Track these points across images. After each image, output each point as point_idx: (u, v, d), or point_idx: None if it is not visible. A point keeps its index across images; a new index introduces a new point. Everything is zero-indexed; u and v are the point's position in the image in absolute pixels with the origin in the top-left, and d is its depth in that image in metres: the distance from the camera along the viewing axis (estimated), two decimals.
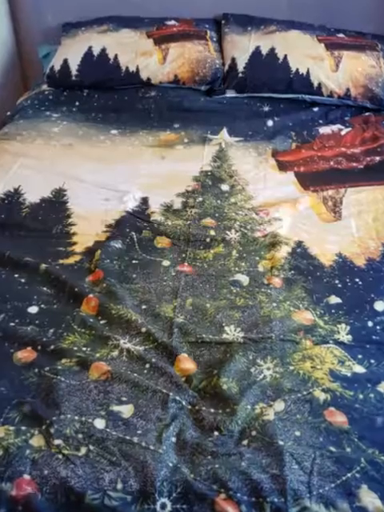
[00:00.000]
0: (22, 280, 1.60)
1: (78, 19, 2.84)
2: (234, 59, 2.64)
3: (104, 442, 1.17)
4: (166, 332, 1.44)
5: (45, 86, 2.71)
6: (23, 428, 1.19)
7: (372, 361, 1.39)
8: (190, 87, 2.65)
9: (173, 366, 1.35)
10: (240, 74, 2.61)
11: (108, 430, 1.19)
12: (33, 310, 1.50)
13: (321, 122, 2.50)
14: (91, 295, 1.53)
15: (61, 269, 1.63)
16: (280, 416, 1.23)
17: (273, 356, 1.38)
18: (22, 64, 3.17)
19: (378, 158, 2.23)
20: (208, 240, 1.78)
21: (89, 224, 1.84)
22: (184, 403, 1.26)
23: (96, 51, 2.65)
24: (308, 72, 2.57)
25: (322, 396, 1.28)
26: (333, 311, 1.53)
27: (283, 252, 1.72)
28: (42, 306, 1.52)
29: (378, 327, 1.48)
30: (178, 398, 1.27)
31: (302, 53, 2.63)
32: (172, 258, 1.71)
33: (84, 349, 1.38)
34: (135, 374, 1.32)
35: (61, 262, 1.67)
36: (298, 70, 2.58)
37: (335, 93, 2.57)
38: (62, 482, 1.09)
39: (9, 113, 2.56)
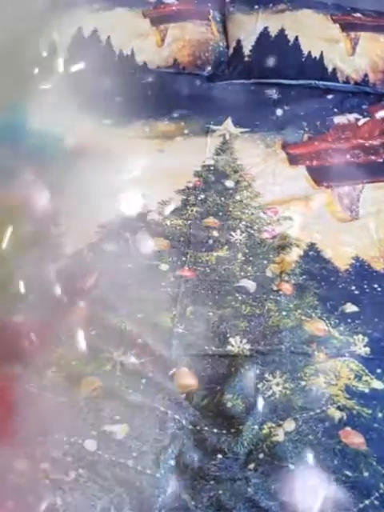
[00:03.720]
0: None
1: None
2: (239, 41, 2.65)
3: (95, 465, 1.17)
4: (165, 344, 1.44)
5: None
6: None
7: None
8: (190, 72, 2.66)
9: (172, 382, 1.35)
10: (246, 58, 2.62)
11: (100, 452, 1.19)
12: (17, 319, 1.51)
13: (336, 110, 2.50)
14: (81, 303, 1.53)
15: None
16: (290, 437, 1.24)
17: (282, 370, 1.38)
18: None
19: None
20: (211, 242, 1.79)
21: (79, 224, 1.84)
22: (184, 422, 1.27)
23: (86, 32, 2.65)
24: (321, 55, 2.58)
25: (336, 414, 1.29)
26: (349, 321, 1.53)
27: (294, 255, 1.73)
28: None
29: None
30: (177, 416, 1.27)
31: (314, 34, 2.64)
32: (171, 261, 1.72)
33: (73, 362, 1.39)
34: (130, 390, 1.32)
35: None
36: (310, 53, 2.59)
37: (351, 78, 2.58)
38: (49, 509, 1.09)
39: None
